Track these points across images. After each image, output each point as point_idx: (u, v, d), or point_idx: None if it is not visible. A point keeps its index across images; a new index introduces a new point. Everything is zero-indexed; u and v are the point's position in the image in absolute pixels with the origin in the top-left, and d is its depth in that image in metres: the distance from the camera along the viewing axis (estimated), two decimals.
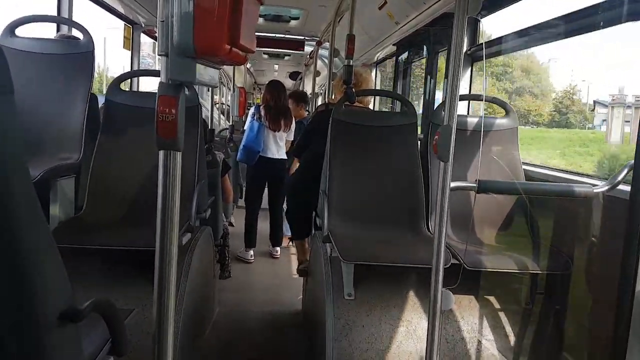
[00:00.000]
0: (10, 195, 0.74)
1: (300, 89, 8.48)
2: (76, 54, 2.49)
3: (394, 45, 4.87)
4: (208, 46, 0.99)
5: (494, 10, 3.13)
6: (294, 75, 9.70)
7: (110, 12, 3.96)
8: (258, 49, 6.49)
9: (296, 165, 4.04)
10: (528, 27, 2.63)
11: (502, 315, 2.15)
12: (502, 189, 1.96)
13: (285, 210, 3.66)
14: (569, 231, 2.16)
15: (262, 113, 4.19)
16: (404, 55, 4.93)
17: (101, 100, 2.61)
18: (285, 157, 4.28)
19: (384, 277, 2.20)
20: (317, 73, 6.24)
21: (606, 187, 1.75)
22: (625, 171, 1.71)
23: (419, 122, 3.06)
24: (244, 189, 4.67)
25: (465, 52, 3.23)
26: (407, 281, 2.20)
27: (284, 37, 6.29)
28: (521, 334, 2.11)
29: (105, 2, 3.76)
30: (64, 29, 2.98)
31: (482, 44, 3.25)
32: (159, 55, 1.03)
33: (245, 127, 4.34)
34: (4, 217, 0.74)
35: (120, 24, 4.23)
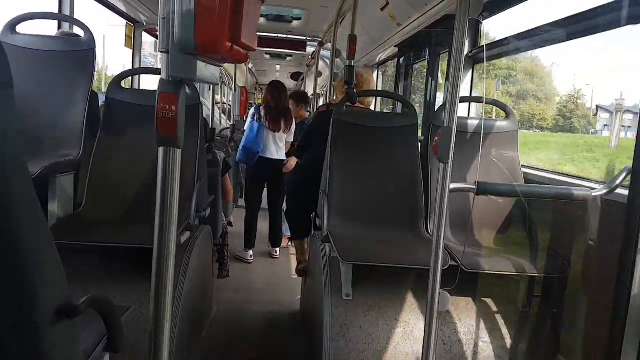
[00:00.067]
0: (10, 195, 0.74)
1: (302, 89, 8.48)
2: (77, 51, 2.49)
3: (395, 46, 4.87)
4: (209, 43, 0.99)
5: (495, 13, 3.13)
6: (295, 76, 9.71)
7: (112, 10, 3.96)
8: (260, 49, 6.52)
9: (292, 162, 4.04)
10: (529, 30, 2.63)
11: (499, 317, 2.15)
12: (501, 191, 1.97)
13: (285, 210, 3.66)
14: (567, 234, 2.17)
15: (262, 113, 4.19)
16: (406, 57, 4.94)
17: (100, 99, 2.61)
18: (284, 158, 4.28)
19: (382, 277, 2.20)
20: (318, 74, 6.25)
21: (604, 191, 1.76)
22: (624, 175, 1.72)
23: (420, 124, 3.07)
24: (244, 189, 4.68)
25: (467, 54, 3.23)
26: (405, 282, 2.20)
27: (286, 37, 6.30)
28: (518, 336, 2.12)
29: (107, 1, 3.76)
30: (66, 26, 2.98)
31: (483, 46, 3.25)
32: (159, 52, 1.03)
33: (245, 128, 4.34)
34: (3, 217, 0.73)
35: (120, 21, 4.24)
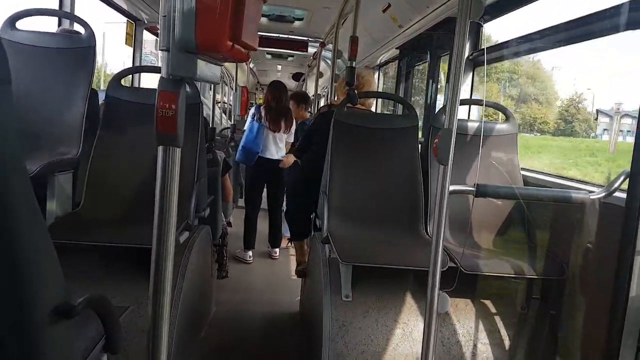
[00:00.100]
0: (9, 194, 0.74)
1: (303, 90, 8.48)
2: (77, 48, 2.48)
3: (397, 48, 4.88)
4: (210, 41, 0.99)
5: (496, 16, 3.13)
6: (297, 77, 9.71)
7: (113, 8, 3.95)
8: (261, 48, 6.52)
9: (290, 159, 4.04)
10: (530, 33, 2.64)
11: (497, 319, 2.15)
12: (500, 193, 1.97)
13: (284, 210, 3.66)
14: (565, 237, 2.17)
15: (263, 113, 4.19)
16: (407, 59, 4.94)
17: (100, 96, 2.61)
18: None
19: (381, 279, 2.20)
20: (320, 74, 6.25)
21: (603, 194, 1.76)
22: (622, 178, 1.72)
23: (420, 125, 3.07)
24: (244, 189, 4.67)
25: (467, 56, 3.23)
26: (404, 283, 2.20)
27: (287, 37, 6.30)
28: (516, 337, 2.11)
29: None
30: (66, 23, 2.97)
31: (483, 49, 3.25)
32: (160, 50, 1.03)
33: (245, 128, 4.33)
34: (2, 217, 0.73)
35: (120, 18, 4.22)
